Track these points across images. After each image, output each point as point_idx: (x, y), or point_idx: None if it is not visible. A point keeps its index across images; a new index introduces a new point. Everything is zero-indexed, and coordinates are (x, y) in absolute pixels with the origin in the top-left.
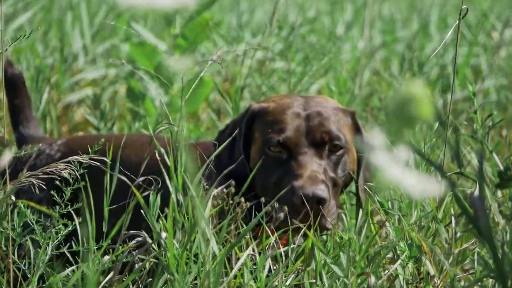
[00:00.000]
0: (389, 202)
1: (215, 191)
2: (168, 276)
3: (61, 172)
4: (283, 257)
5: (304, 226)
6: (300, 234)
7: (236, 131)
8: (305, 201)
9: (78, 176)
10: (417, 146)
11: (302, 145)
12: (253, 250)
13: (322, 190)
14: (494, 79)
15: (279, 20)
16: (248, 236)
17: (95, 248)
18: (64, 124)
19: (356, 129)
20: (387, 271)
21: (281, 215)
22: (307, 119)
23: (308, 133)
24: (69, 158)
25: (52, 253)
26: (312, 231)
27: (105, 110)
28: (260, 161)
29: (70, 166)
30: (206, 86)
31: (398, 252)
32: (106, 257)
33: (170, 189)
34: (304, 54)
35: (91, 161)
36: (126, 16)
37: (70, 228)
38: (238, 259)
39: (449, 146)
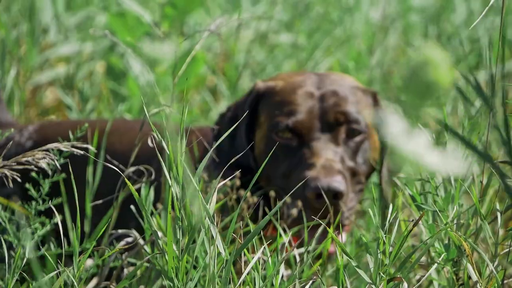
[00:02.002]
0: (422, 196)
1: (219, 184)
2: (166, 282)
3: (38, 162)
4: (298, 260)
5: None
6: (317, 234)
7: (238, 114)
8: (320, 195)
9: (58, 167)
10: (446, 123)
11: (315, 130)
12: (263, 252)
13: (338, 182)
14: None
15: None
16: (258, 236)
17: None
18: (32, 108)
19: (379, 112)
20: (418, 275)
21: (294, 211)
22: (321, 99)
23: (323, 115)
24: (49, 146)
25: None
26: (331, 229)
27: (83, 90)
28: (265, 148)
29: (49, 155)
30: (197, 62)
31: (433, 254)
32: (90, 261)
33: (168, 181)
34: (313, 26)
35: (74, 149)
36: None
37: (48, 228)
38: (245, 262)
39: (494, 129)
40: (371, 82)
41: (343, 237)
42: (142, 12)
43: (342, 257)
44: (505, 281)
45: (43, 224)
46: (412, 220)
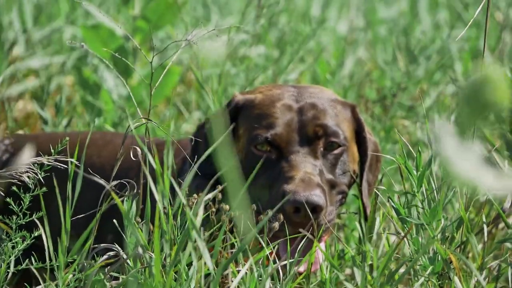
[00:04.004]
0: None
1: (205, 197)
2: None
3: (21, 176)
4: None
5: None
6: (301, 246)
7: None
8: (299, 209)
9: (39, 181)
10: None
11: (294, 143)
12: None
13: (317, 196)
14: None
15: None
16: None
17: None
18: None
19: (358, 125)
20: None
21: (276, 224)
22: (299, 112)
23: (301, 128)
24: (32, 159)
25: (8, 271)
26: (315, 242)
27: (60, 103)
28: (244, 161)
29: (32, 169)
30: (172, 75)
31: (418, 267)
32: (70, 276)
33: (155, 194)
34: (282, 38)
35: (57, 163)
36: None
37: (28, 242)
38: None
39: None
40: (344, 94)
41: (322, 247)
42: (114, 25)
43: (329, 270)
44: None
45: (23, 239)
46: (399, 234)
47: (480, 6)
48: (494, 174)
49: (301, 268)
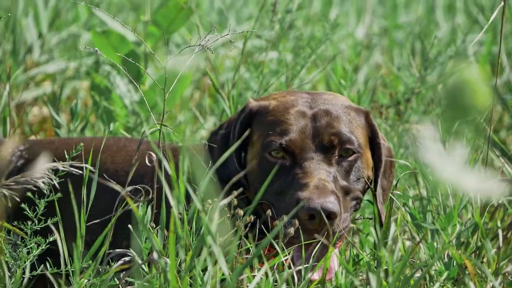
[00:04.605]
0: (421, 214)
1: (221, 203)
2: None
3: (37, 182)
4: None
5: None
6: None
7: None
8: (313, 216)
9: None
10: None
11: (308, 150)
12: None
13: (332, 203)
14: None
15: (270, 3)
16: (258, 256)
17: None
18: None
19: (371, 131)
20: None
21: (291, 230)
22: (313, 119)
23: (315, 135)
24: (48, 165)
25: (24, 276)
26: (330, 248)
27: (76, 108)
28: (258, 167)
29: (48, 175)
30: (183, 80)
31: (433, 272)
32: (85, 281)
33: (170, 200)
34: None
35: (72, 168)
36: (87, 1)
37: (43, 247)
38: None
39: None
40: (358, 99)
41: (336, 253)
42: (126, 31)
43: (344, 275)
44: None
45: (38, 244)
46: (414, 239)
47: (497, 10)
48: (476, 177)
49: (315, 276)
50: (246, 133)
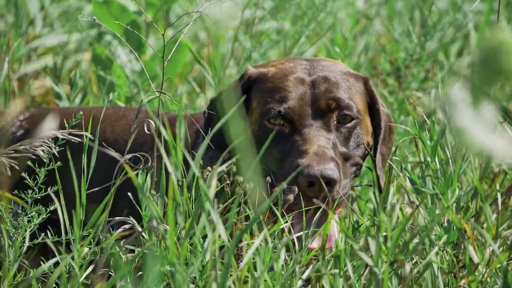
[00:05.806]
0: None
1: (219, 169)
2: (168, 268)
3: (36, 150)
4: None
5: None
6: (315, 219)
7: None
8: (313, 182)
9: (53, 155)
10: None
11: (307, 116)
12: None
13: (331, 170)
14: None
15: None
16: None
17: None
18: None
19: (370, 97)
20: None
21: (291, 197)
22: (312, 85)
23: (314, 102)
24: (47, 133)
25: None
26: (330, 214)
27: (75, 79)
28: (257, 134)
29: (47, 143)
30: (183, 50)
31: (432, 237)
32: (86, 249)
33: (168, 167)
34: (297, 13)
35: (72, 136)
36: None
37: (44, 216)
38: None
39: None
40: (358, 68)
41: (336, 219)
42: (126, 1)
43: (344, 241)
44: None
45: (39, 213)
46: (412, 203)
47: None
48: (507, 142)
49: (314, 244)
50: (242, 99)
